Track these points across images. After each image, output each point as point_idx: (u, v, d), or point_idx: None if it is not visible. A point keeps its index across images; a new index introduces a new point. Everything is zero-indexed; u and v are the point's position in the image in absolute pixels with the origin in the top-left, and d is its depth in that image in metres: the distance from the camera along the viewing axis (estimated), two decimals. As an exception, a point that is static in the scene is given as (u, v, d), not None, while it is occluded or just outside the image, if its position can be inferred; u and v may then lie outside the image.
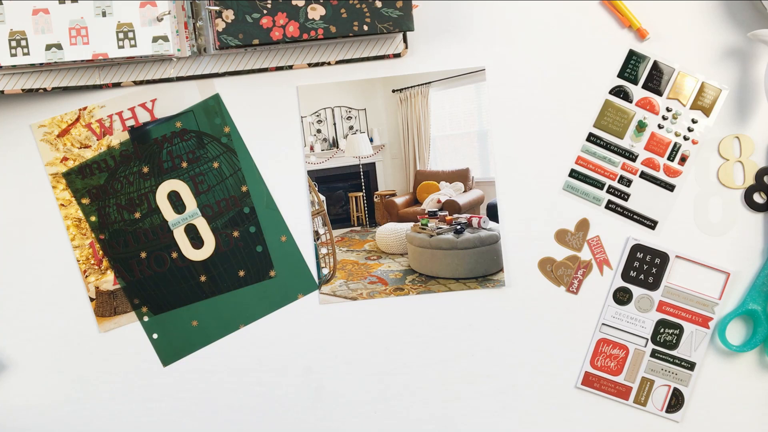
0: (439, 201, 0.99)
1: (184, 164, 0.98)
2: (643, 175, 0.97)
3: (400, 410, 0.99)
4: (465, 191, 0.99)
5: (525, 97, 0.97)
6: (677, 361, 0.98)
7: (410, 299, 0.98)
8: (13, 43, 0.90)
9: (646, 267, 0.97)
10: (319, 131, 0.98)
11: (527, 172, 0.98)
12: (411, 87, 0.98)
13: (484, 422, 0.98)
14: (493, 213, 0.98)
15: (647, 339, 0.98)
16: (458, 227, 0.98)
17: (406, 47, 0.97)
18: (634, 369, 0.98)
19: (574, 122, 0.97)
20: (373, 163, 0.99)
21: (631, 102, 0.97)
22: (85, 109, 0.97)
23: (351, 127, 0.99)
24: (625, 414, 0.98)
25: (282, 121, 0.98)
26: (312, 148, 0.98)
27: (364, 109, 0.98)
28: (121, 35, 0.90)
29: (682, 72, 0.97)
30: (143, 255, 0.98)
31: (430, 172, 0.99)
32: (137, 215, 0.98)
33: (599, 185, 0.98)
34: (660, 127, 0.97)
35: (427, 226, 0.99)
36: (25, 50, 0.90)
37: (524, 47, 0.97)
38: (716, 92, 0.97)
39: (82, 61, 0.91)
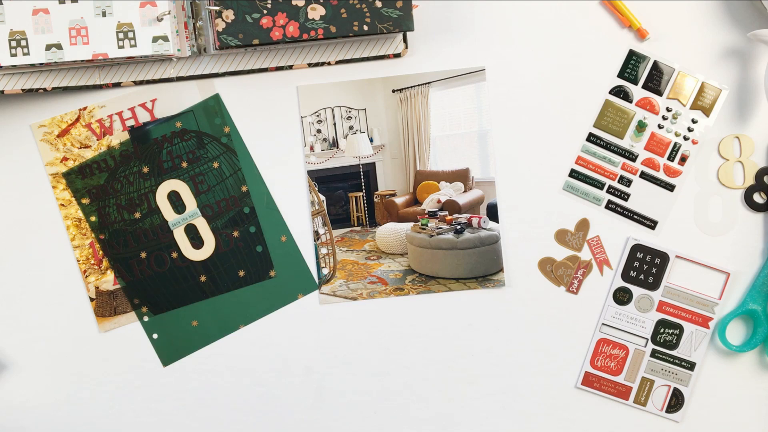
0: (439, 201, 0.99)
1: (184, 164, 0.98)
2: (643, 175, 0.97)
3: (400, 410, 0.99)
4: (465, 191, 0.99)
5: (525, 97, 0.97)
6: (677, 361, 0.98)
7: (410, 299, 0.98)
8: (13, 43, 0.90)
9: (646, 267, 0.97)
10: (319, 131, 0.98)
11: (527, 172, 0.98)
12: (411, 87, 0.98)
13: (484, 422, 0.98)
14: (493, 213, 0.98)
15: (647, 339, 0.98)
16: (458, 227, 0.98)
17: (406, 47, 0.97)
18: (634, 369, 0.98)
19: (574, 122, 0.97)
20: (373, 163, 0.99)
21: (631, 102, 0.97)
22: (85, 109, 0.97)
23: (351, 127, 0.99)
24: (625, 414, 0.98)
25: (282, 121, 0.98)
26: (312, 148, 0.98)
27: (364, 109, 0.98)
28: (121, 35, 0.90)
29: (682, 72, 0.97)
30: (143, 255, 0.98)
31: (430, 172, 0.99)
32: (137, 215, 0.98)
33: (599, 185, 0.98)
34: (660, 127, 0.97)
35: (427, 226, 0.99)
36: (25, 50, 0.90)
37: (524, 47, 0.97)
38: (716, 92, 0.97)
39: (82, 61, 0.91)
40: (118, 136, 0.97)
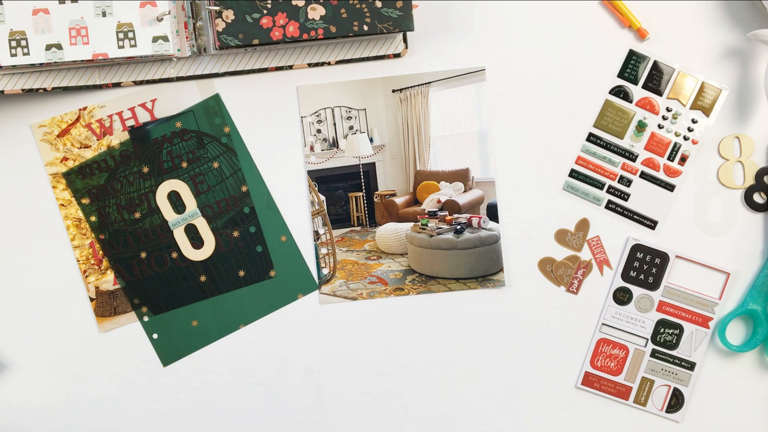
0: (439, 201, 0.99)
1: (184, 164, 0.98)
2: (643, 175, 0.97)
3: (400, 410, 0.99)
4: (465, 191, 0.99)
5: (525, 97, 0.97)
6: (677, 361, 0.98)
7: (410, 299, 0.98)
8: (13, 43, 0.90)
9: (646, 267, 0.97)
10: (319, 131, 0.98)
11: (527, 172, 0.98)
12: (411, 87, 0.98)
13: (484, 422, 0.98)
14: (493, 213, 0.98)
15: (647, 339, 0.98)
16: (458, 227, 0.98)
17: (406, 47, 0.97)
18: (634, 369, 0.98)
19: (574, 122, 0.97)
20: (373, 163, 0.99)
21: (631, 102, 0.97)
22: (85, 109, 0.97)
23: (351, 127, 0.99)
24: (625, 414, 0.98)
25: (282, 121, 0.98)
26: (312, 148, 0.98)
27: (364, 109, 0.98)
28: (121, 35, 0.90)
29: (682, 72, 0.97)
30: (143, 255, 0.98)
31: (430, 172, 0.99)
32: (137, 215, 0.98)
33: (599, 185, 0.98)
34: (660, 127, 0.97)
35: (427, 226, 0.99)
36: (25, 50, 0.90)
37: (524, 47, 0.97)
38: (716, 92, 0.97)
39: (82, 61, 0.91)
40: (118, 136, 0.97)
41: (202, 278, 0.98)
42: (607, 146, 0.97)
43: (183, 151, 0.97)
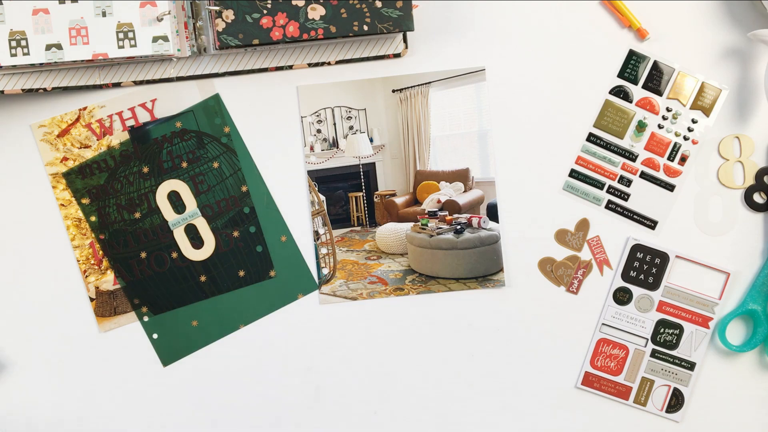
0: (439, 201, 0.99)
1: (184, 164, 0.98)
2: (643, 175, 0.98)
3: (400, 410, 0.99)
4: (465, 191, 0.99)
5: (525, 97, 0.97)
6: (677, 361, 0.98)
7: (410, 299, 0.98)
8: (13, 43, 0.90)
9: (646, 267, 0.97)
10: (319, 131, 0.98)
11: (527, 172, 0.98)
12: (411, 87, 0.98)
13: (484, 422, 0.98)
14: (493, 213, 0.98)
15: (647, 339, 0.98)
16: (458, 227, 0.98)
17: (406, 47, 0.97)
18: (634, 369, 0.98)
19: (574, 122, 0.97)
20: (373, 163, 0.99)
21: (631, 102, 0.97)
22: (85, 109, 0.97)
23: (351, 127, 0.99)
24: (625, 414, 0.98)
25: (282, 121, 0.98)
26: (312, 148, 0.98)
27: (364, 109, 0.98)
28: (121, 35, 0.90)
29: (682, 72, 0.97)
30: (143, 255, 0.98)
31: (430, 172, 0.99)
32: (137, 215, 0.98)
33: (599, 185, 0.98)
34: (660, 127, 0.97)
35: (427, 226, 0.99)
36: (25, 50, 0.90)
37: (524, 47, 0.97)
38: (716, 92, 0.97)
39: (82, 61, 0.91)
40: (118, 136, 0.97)
41: (202, 278, 0.98)
42: (607, 146, 0.97)
43: (183, 151, 0.97)
